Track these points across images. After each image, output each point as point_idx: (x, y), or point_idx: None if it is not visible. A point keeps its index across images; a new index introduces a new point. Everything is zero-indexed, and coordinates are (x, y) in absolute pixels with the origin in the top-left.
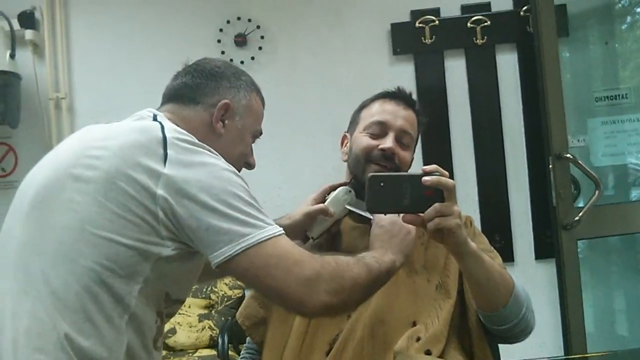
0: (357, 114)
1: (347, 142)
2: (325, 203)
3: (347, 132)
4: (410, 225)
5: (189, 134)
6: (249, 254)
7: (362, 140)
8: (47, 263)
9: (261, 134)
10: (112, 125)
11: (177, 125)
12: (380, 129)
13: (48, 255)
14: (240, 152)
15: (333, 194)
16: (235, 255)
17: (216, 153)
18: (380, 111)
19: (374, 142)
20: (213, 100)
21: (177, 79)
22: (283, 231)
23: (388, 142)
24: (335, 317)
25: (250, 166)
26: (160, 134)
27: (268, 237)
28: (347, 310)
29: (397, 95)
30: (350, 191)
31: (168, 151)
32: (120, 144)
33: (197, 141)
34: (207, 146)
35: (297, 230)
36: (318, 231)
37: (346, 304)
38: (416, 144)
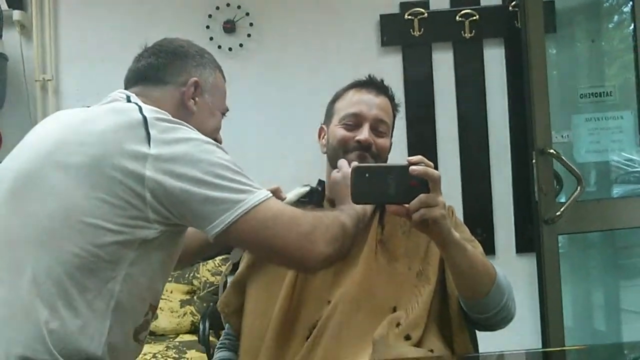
0: (332, 105)
1: (324, 135)
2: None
3: (324, 124)
4: None
5: (165, 113)
6: (247, 219)
7: (338, 132)
8: (29, 250)
9: (227, 110)
10: (86, 110)
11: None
12: (355, 120)
13: (30, 243)
14: (213, 127)
15: None
16: (235, 221)
17: (193, 128)
18: (354, 102)
19: (349, 134)
20: (181, 78)
21: (140, 61)
22: (271, 194)
23: (364, 134)
24: (332, 266)
25: (218, 142)
26: (140, 115)
27: (261, 200)
28: (341, 258)
29: (369, 83)
30: (307, 185)
31: (150, 131)
32: (102, 129)
33: (174, 119)
34: (184, 122)
35: None
36: None
37: (341, 250)
38: (393, 128)
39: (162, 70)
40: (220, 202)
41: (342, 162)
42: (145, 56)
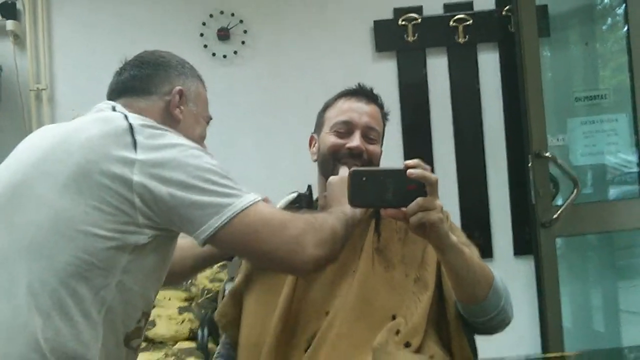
0: (322, 114)
1: (315, 143)
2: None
3: (314, 132)
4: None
5: (151, 120)
6: (235, 223)
7: (329, 139)
8: (22, 262)
9: (211, 119)
10: (73, 121)
11: None
12: (346, 128)
13: (22, 255)
14: (199, 134)
15: None
16: (223, 225)
17: (179, 134)
18: (344, 110)
19: (340, 141)
20: (165, 88)
21: (122, 74)
22: (260, 197)
23: (355, 141)
24: (323, 269)
25: None
26: (125, 122)
27: (250, 203)
28: (332, 261)
29: (359, 92)
30: (294, 192)
31: (136, 137)
32: (87, 136)
33: (160, 125)
34: (170, 129)
35: None
36: None
37: (332, 253)
38: (383, 136)
39: (146, 81)
40: (208, 207)
41: (344, 170)
42: (127, 69)
